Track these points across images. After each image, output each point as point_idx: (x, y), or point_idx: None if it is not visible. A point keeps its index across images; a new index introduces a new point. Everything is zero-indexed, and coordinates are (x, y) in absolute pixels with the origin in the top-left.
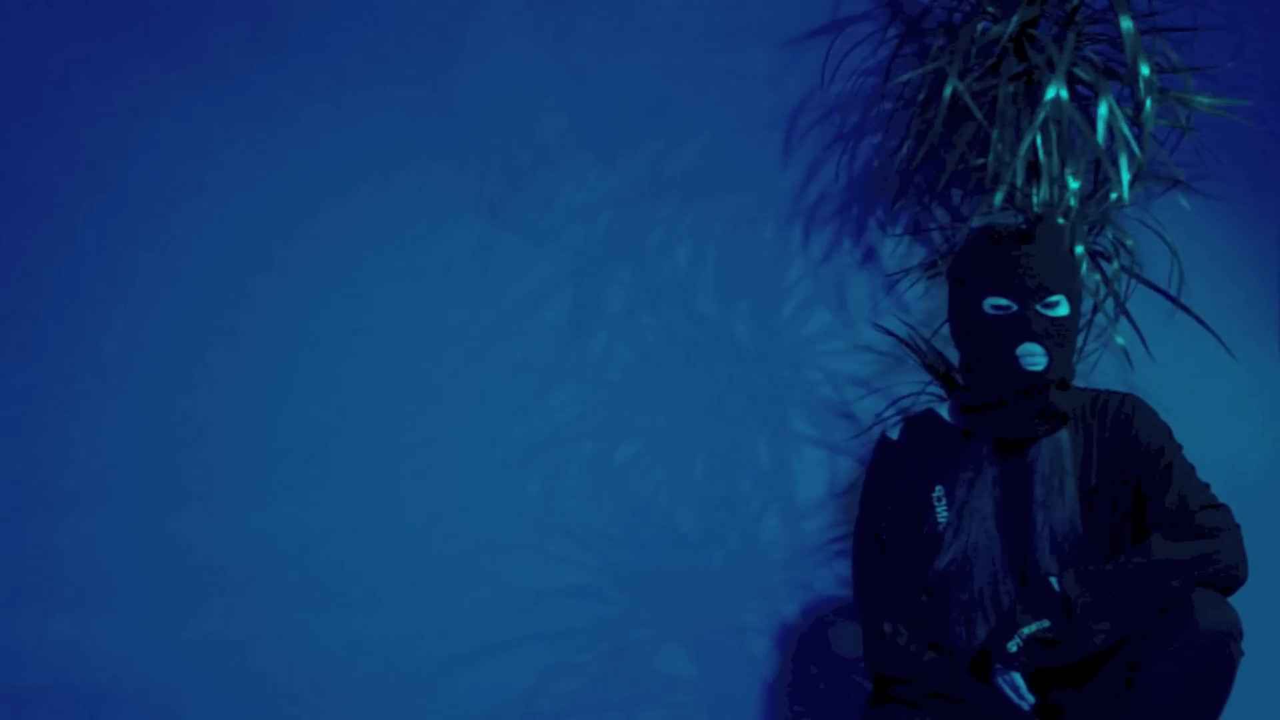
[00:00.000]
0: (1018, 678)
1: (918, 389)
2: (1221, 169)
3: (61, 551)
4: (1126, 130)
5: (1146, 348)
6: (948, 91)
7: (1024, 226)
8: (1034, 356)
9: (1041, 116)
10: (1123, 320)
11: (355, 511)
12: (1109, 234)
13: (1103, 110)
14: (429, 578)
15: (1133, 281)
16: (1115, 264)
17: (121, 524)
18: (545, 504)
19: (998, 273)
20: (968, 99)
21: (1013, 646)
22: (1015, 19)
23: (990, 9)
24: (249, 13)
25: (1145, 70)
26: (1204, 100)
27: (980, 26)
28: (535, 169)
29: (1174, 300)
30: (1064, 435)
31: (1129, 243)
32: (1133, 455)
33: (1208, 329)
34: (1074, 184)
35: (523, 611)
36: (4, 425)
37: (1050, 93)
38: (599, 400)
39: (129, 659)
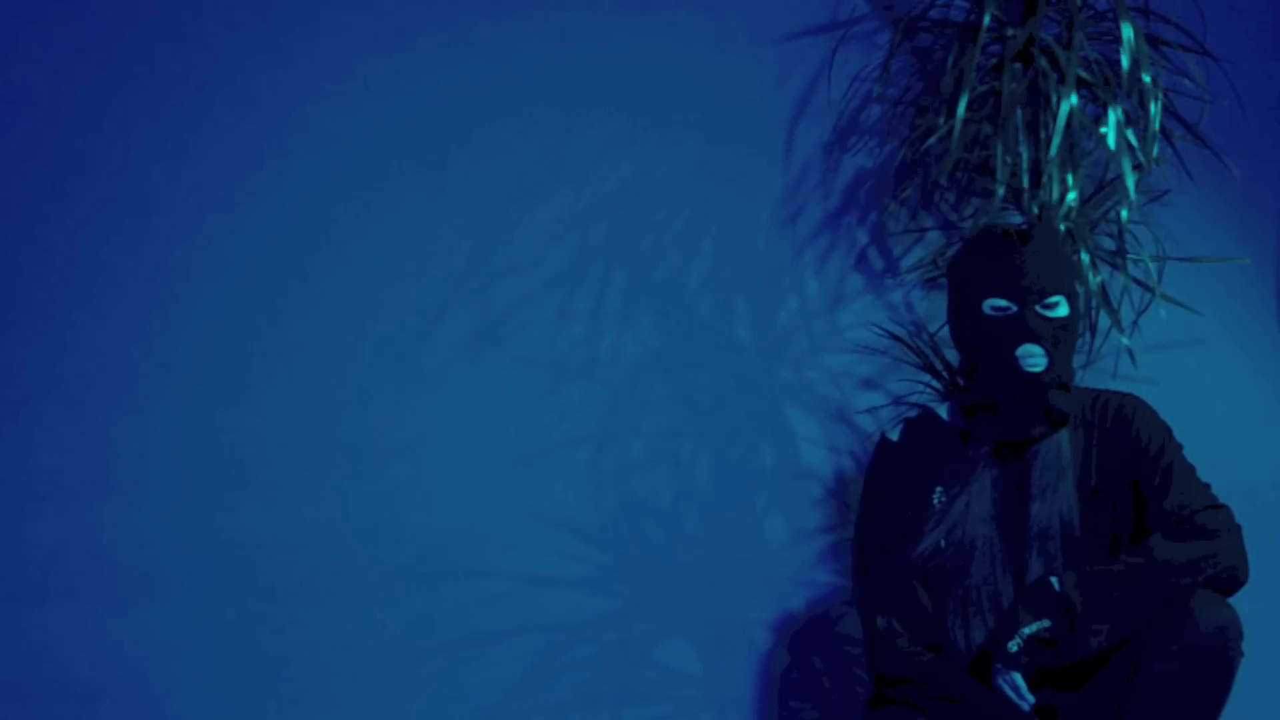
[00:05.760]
0: (1018, 678)
1: (917, 390)
2: (1218, 167)
3: (74, 545)
4: (1131, 135)
5: (1132, 358)
6: (962, 104)
7: (1023, 227)
8: (1034, 358)
9: (1061, 127)
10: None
11: (364, 507)
12: (1110, 235)
13: (1112, 117)
14: (436, 572)
15: (1131, 280)
16: (1116, 266)
17: (133, 519)
18: (550, 500)
19: (997, 274)
20: (961, 122)
21: (1013, 646)
22: (1027, 28)
23: (993, 10)
24: (250, 12)
25: (1147, 78)
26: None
27: (987, 24)
28: (535, 169)
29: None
30: (1063, 436)
31: (1130, 240)
32: (1133, 456)
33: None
34: (1074, 187)
35: (527, 605)
36: (19, 420)
37: (1064, 106)
38: (602, 399)
39: (139, 652)
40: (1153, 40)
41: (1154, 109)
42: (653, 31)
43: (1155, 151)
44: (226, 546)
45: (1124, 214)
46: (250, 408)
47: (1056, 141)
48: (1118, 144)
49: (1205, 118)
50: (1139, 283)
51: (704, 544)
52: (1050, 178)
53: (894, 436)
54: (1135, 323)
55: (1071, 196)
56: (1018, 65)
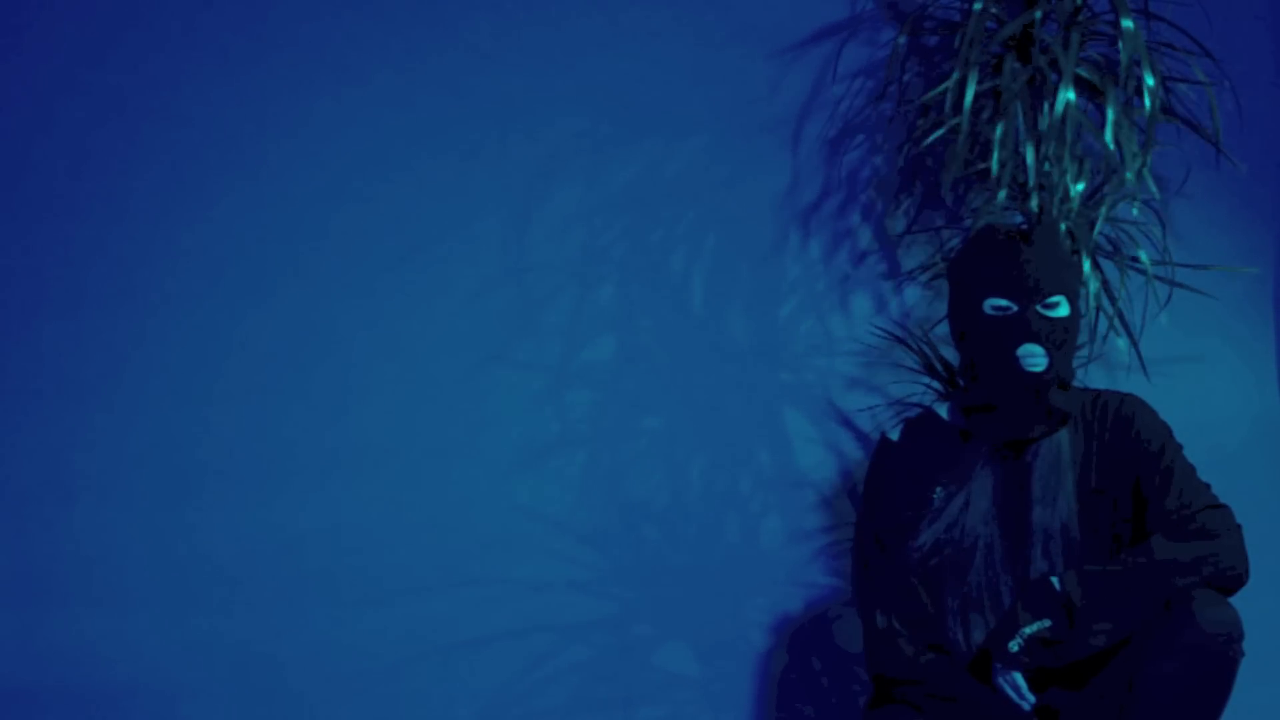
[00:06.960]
0: (1018, 677)
1: (917, 390)
2: (1217, 167)
3: (69, 548)
4: (1132, 134)
5: (1140, 354)
6: (966, 102)
7: (1024, 227)
8: (1034, 357)
9: (1058, 123)
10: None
11: (360, 510)
12: (1108, 234)
13: (1110, 115)
14: (433, 575)
15: (1130, 281)
16: (1114, 264)
17: (129, 522)
18: (547, 503)
19: (998, 273)
20: (967, 120)
21: (1013, 646)
22: (1020, 21)
23: (993, 9)
24: (254, 10)
25: (1150, 79)
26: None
27: (987, 25)
28: (535, 171)
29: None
30: (1063, 436)
31: (1136, 248)
32: (1133, 456)
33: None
34: (1075, 186)
35: (524, 608)
36: (13, 421)
37: (1060, 100)
38: (600, 401)
39: (134, 656)
40: (1152, 41)
41: (1148, 101)
42: (657, 32)
43: (1150, 139)
44: (220, 551)
45: (1133, 211)
46: (244, 411)
47: (1054, 139)
48: (1116, 140)
49: (1204, 116)
50: (1146, 274)
51: (701, 546)
52: (1050, 176)
53: (894, 436)
54: (1120, 321)
55: (1074, 193)
56: (1017, 63)
